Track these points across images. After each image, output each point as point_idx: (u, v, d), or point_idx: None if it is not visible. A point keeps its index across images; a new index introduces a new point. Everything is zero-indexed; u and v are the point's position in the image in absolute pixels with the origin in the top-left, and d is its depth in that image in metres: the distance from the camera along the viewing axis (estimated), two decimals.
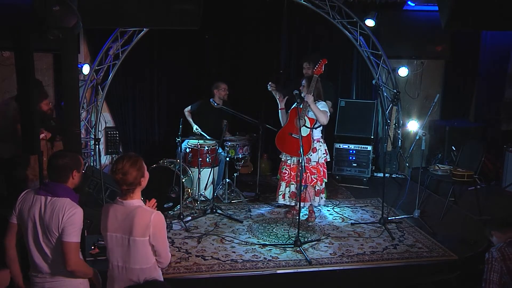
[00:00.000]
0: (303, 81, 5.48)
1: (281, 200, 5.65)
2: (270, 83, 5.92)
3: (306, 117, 5.35)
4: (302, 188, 5.33)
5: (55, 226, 2.89)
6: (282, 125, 5.61)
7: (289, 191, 5.59)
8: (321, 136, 5.56)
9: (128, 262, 2.94)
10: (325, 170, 5.57)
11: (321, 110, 5.33)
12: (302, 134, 5.10)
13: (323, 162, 5.54)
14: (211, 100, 6.41)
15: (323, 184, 5.60)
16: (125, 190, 2.93)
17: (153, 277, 2.96)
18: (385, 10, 7.16)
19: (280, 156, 5.69)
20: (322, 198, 5.64)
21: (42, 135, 5.12)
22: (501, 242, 3.62)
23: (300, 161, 5.04)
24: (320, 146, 5.49)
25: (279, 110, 5.63)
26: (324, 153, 5.51)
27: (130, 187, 2.92)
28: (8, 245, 3.08)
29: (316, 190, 5.53)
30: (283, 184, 5.61)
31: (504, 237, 3.63)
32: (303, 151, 4.96)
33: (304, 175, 5.33)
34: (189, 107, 6.71)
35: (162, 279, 3.08)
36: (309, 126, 5.34)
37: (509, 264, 3.45)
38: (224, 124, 6.63)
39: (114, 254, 2.97)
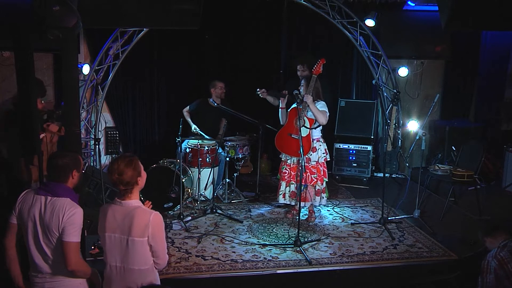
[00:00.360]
0: (302, 81, 5.49)
1: (281, 200, 5.65)
2: (258, 90, 5.86)
3: (305, 117, 5.35)
4: (302, 188, 5.34)
5: (55, 226, 2.89)
6: (281, 123, 5.62)
7: (289, 191, 5.59)
8: (321, 136, 5.56)
9: (126, 263, 2.93)
10: (325, 170, 5.57)
11: (320, 110, 5.33)
12: (301, 134, 5.10)
13: (323, 161, 5.54)
14: (211, 100, 6.42)
15: (324, 183, 5.60)
16: (123, 190, 2.94)
17: (149, 281, 2.97)
18: (385, 10, 7.16)
19: (280, 156, 5.69)
20: (323, 197, 5.64)
21: (42, 135, 5.11)
22: (494, 247, 3.59)
23: (300, 161, 5.04)
24: (320, 145, 5.49)
25: (280, 109, 5.63)
26: (324, 153, 5.51)
27: (127, 187, 2.92)
28: (8, 245, 3.09)
29: (316, 189, 5.53)
30: (283, 183, 5.61)
31: (496, 242, 3.60)
32: (303, 152, 4.96)
33: (304, 175, 5.33)
34: (187, 107, 6.72)
35: (158, 282, 3.09)
36: (308, 127, 5.34)
37: (506, 269, 3.42)
38: (224, 124, 6.62)
39: (112, 255, 2.97)
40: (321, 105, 5.39)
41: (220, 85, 6.61)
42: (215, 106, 6.37)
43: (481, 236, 3.79)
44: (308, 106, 5.28)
